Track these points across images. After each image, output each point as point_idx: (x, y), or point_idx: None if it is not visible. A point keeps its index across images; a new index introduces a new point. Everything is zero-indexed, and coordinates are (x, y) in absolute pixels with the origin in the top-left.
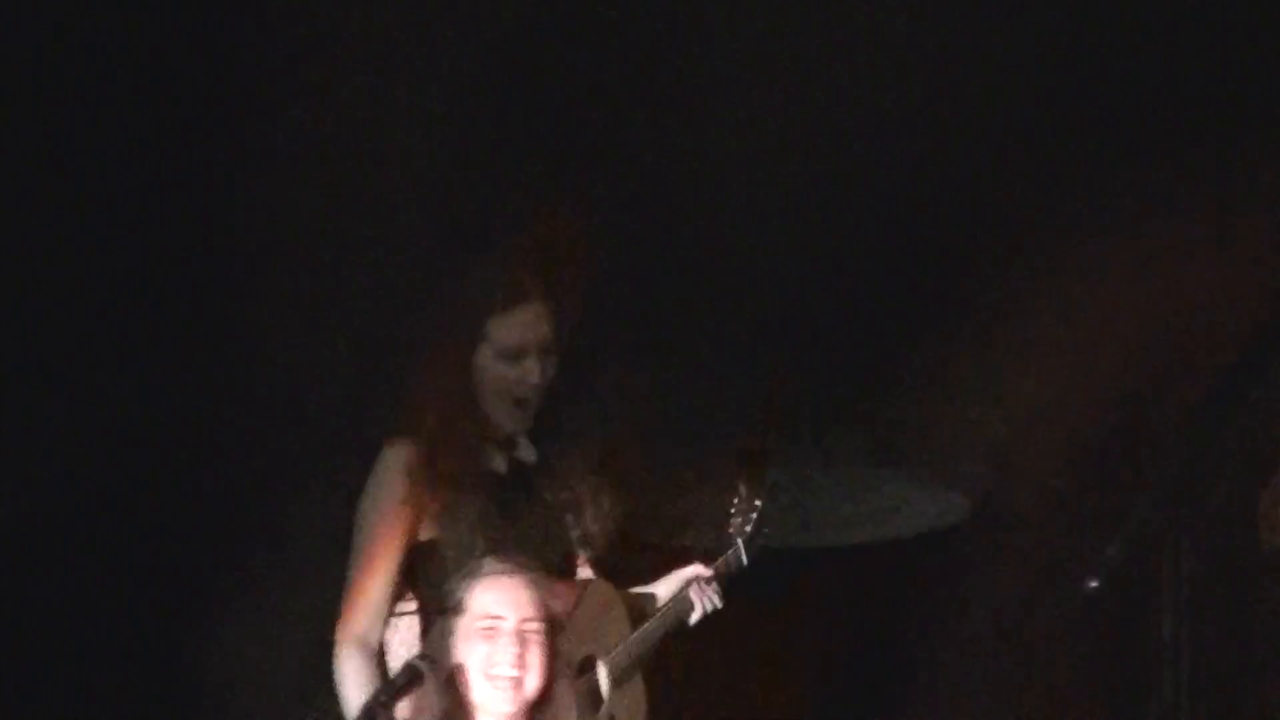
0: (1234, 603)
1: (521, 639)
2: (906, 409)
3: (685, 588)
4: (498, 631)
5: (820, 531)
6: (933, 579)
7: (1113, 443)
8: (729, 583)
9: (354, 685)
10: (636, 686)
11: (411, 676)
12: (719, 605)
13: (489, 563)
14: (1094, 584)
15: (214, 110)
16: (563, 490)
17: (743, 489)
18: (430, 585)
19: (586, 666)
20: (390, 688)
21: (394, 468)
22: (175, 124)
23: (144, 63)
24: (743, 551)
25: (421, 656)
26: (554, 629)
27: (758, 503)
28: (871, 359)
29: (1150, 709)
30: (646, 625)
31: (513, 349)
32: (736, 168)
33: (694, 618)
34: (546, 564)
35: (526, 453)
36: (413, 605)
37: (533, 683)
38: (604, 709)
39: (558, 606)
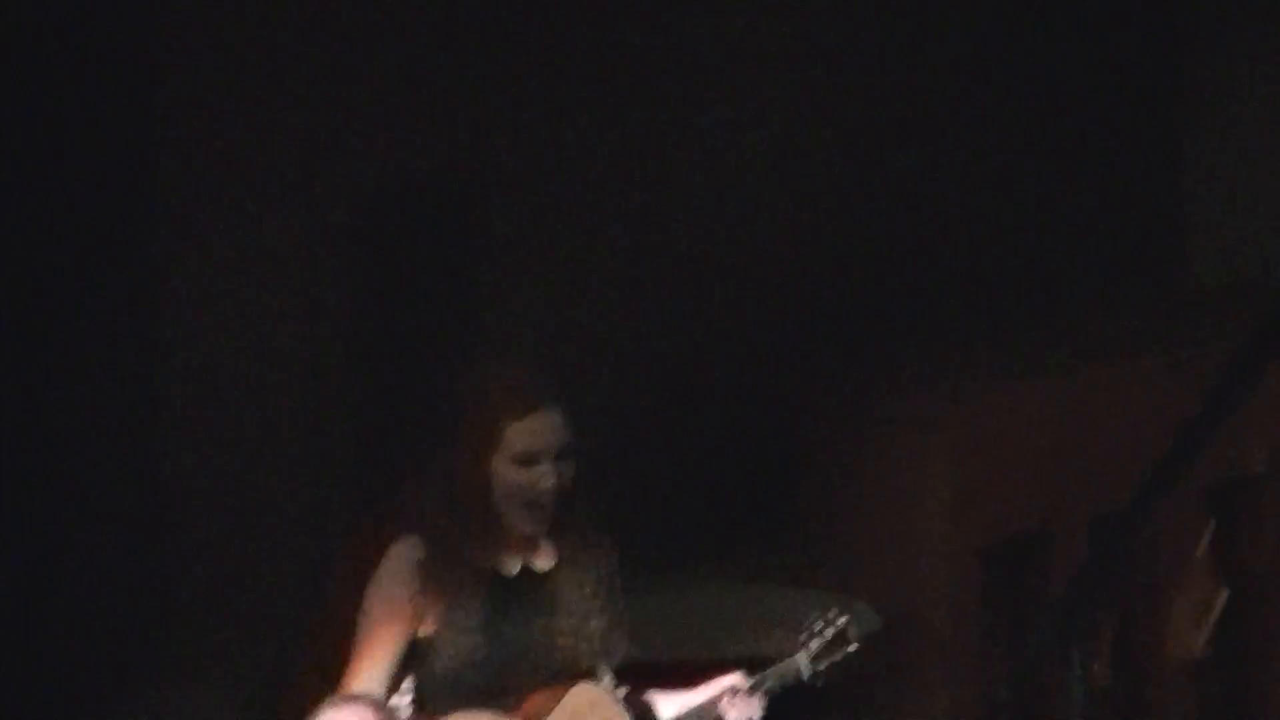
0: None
1: None
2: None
3: (718, 697)
4: None
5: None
6: (846, 694)
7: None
8: (775, 697)
9: None
10: None
11: None
12: (755, 718)
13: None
14: (1004, 694)
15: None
16: (575, 594)
17: (820, 610)
18: (429, 683)
19: None
20: None
21: (403, 562)
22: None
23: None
24: (803, 666)
25: None
26: None
27: (835, 624)
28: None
29: None
30: None
31: (528, 454)
32: None
33: None
34: (555, 672)
35: (544, 559)
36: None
37: None
38: None
39: None
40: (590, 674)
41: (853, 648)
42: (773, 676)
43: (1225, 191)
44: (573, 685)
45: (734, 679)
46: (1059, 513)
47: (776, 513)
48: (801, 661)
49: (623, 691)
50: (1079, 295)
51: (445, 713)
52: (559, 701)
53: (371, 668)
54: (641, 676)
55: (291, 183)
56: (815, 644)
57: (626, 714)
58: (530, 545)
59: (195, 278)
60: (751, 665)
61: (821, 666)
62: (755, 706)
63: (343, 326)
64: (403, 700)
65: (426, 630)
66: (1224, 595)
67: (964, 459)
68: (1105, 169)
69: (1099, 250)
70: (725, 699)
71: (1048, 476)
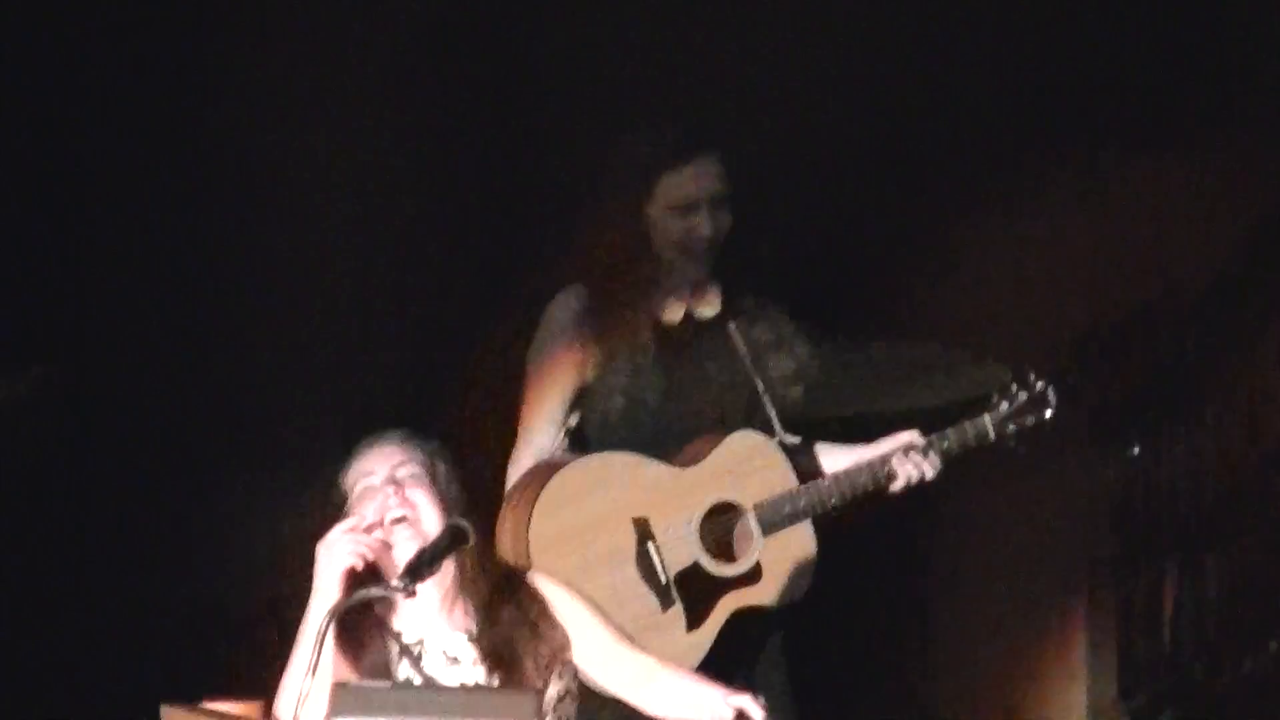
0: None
1: (395, 482)
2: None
3: (891, 452)
4: (374, 488)
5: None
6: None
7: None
8: (953, 459)
9: None
10: (802, 541)
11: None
12: (929, 475)
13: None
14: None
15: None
16: (748, 341)
17: (1011, 375)
18: (592, 428)
19: (717, 512)
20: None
21: (566, 310)
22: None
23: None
24: (989, 428)
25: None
26: (451, 474)
27: (1032, 389)
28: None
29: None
30: (821, 481)
31: (683, 203)
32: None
33: (897, 485)
34: (726, 415)
35: (709, 306)
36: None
37: (430, 519)
38: (746, 556)
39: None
40: (757, 422)
41: (1049, 413)
42: (953, 436)
43: None
44: (736, 432)
45: (910, 435)
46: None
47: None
48: (987, 423)
49: (791, 440)
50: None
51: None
52: (717, 446)
53: (543, 417)
54: (818, 426)
55: None
56: (1005, 406)
57: (787, 462)
58: (695, 292)
59: None
60: (931, 421)
61: (1011, 429)
62: (930, 464)
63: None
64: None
65: (590, 376)
66: None
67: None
68: None
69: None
70: (898, 455)
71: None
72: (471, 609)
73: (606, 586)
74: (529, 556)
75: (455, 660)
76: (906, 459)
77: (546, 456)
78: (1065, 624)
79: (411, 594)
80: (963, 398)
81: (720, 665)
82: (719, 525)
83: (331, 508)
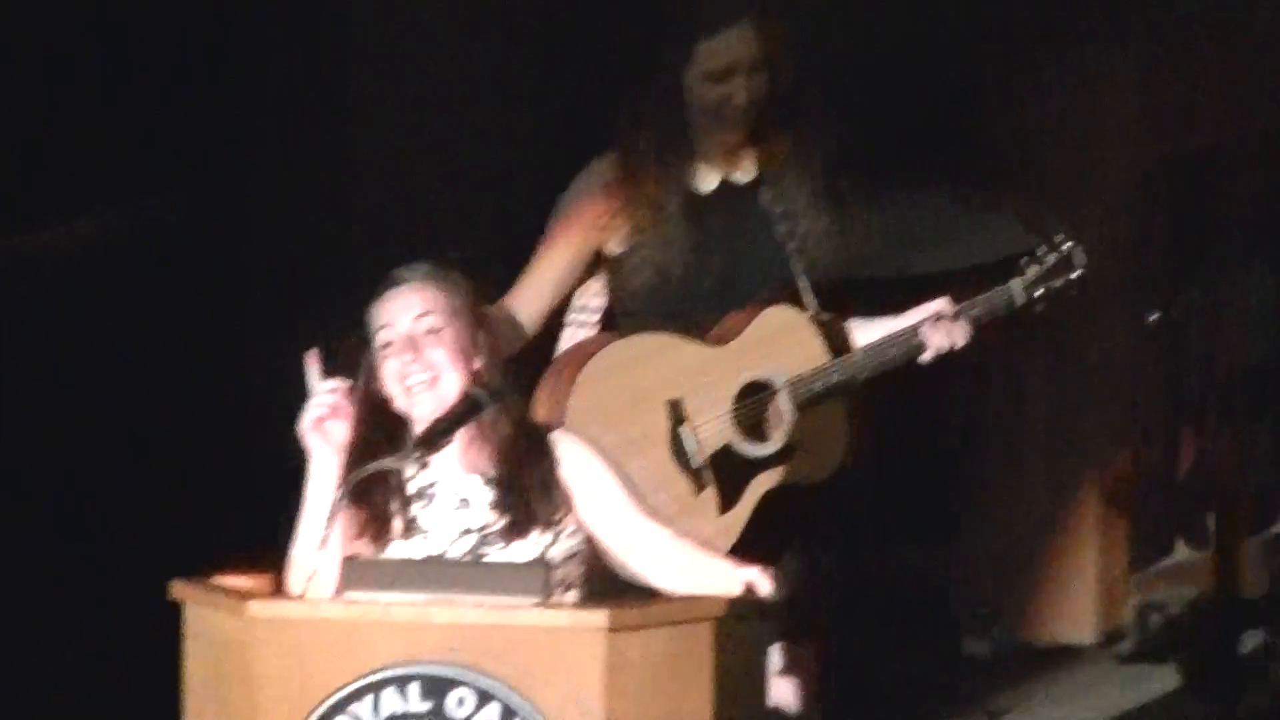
0: None
1: (413, 342)
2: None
3: (921, 322)
4: (393, 345)
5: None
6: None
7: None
8: (981, 325)
9: None
10: (835, 417)
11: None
12: (959, 343)
13: (384, 284)
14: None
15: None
16: (780, 207)
17: (1041, 238)
18: (622, 301)
19: (750, 391)
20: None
21: (594, 177)
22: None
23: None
24: (1017, 294)
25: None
26: (475, 322)
27: (1059, 250)
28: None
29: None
30: (853, 355)
31: (719, 70)
32: None
33: (928, 355)
34: (757, 286)
35: (745, 172)
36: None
37: (451, 381)
38: (778, 434)
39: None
40: (792, 295)
41: (1076, 274)
42: (982, 303)
43: None
44: (769, 306)
45: (940, 304)
46: (1241, 129)
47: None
48: (1016, 289)
49: (824, 316)
50: None
51: (637, 332)
52: (751, 322)
53: (532, 281)
54: (850, 295)
55: None
56: (1033, 270)
57: (820, 337)
58: (729, 159)
59: None
60: (961, 287)
61: (1039, 293)
62: (960, 332)
63: None
64: (590, 317)
65: (615, 248)
66: None
67: (1152, 71)
68: None
69: None
70: (929, 324)
71: (1233, 92)
72: (490, 451)
73: (640, 469)
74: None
75: (465, 503)
76: (936, 327)
77: (541, 313)
78: (1083, 493)
79: (425, 465)
80: (993, 259)
81: (751, 546)
82: (752, 404)
83: (354, 352)
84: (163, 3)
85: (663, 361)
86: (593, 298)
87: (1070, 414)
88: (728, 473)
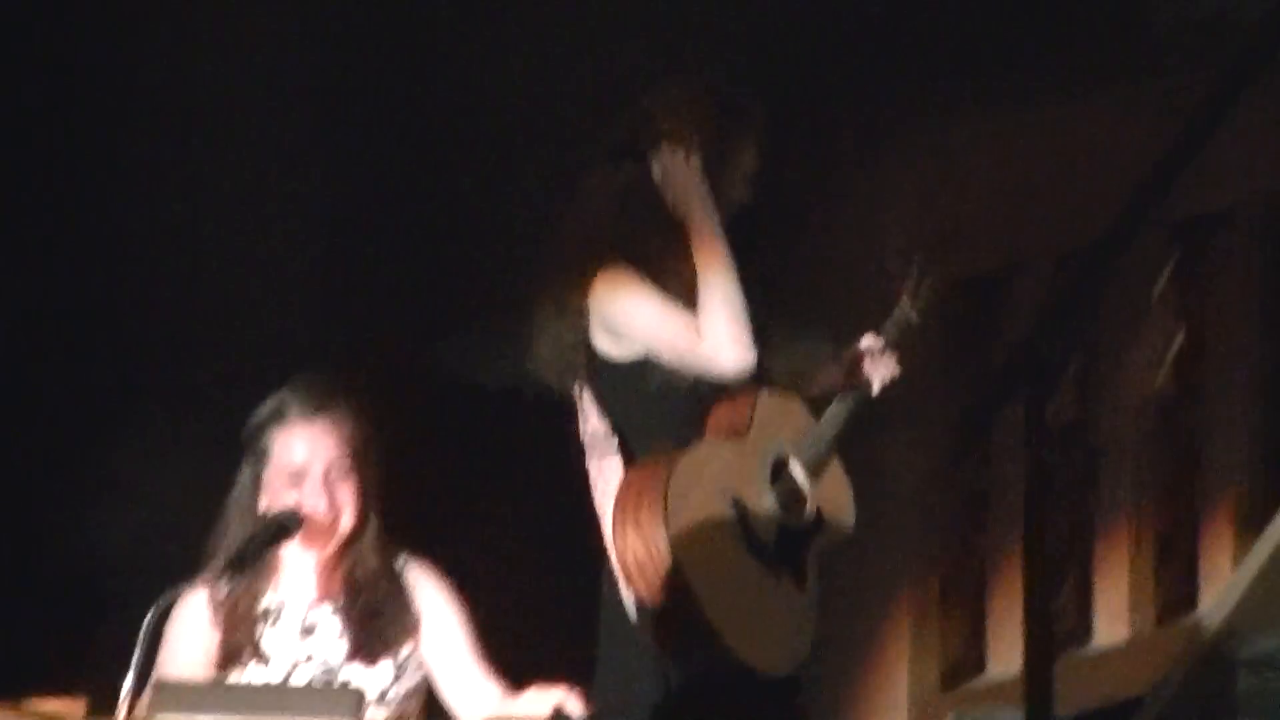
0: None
1: (329, 482)
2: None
3: (859, 362)
4: (305, 478)
5: None
6: None
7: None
8: (901, 345)
9: None
10: (836, 474)
11: (280, 528)
12: (896, 372)
13: (294, 406)
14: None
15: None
16: None
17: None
18: (636, 408)
19: (779, 470)
20: (260, 539)
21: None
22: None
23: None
24: (910, 308)
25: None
26: (365, 459)
27: (916, 264)
28: None
29: None
30: (828, 411)
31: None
32: None
33: (876, 390)
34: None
35: None
36: None
37: (347, 520)
38: (809, 503)
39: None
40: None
41: (929, 279)
42: (891, 328)
43: None
44: (759, 391)
45: (867, 341)
46: (1021, 252)
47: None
48: (905, 306)
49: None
50: (1038, 32)
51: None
52: (755, 409)
53: (671, 316)
54: None
55: None
56: (909, 284)
57: (803, 407)
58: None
59: None
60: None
61: (921, 305)
62: (892, 363)
63: None
64: (609, 443)
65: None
66: (1182, 332)
67: (926, 196)
68: None
69: None
70: (867, 362)
71: (1010, 215)
72: (344, 580)
73: (733, 578)
74: (671, 563)
75: (310, 631)
76: (875, 364)
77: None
78: (893, 611)
79: (235, 587)
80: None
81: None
82: (783, 481)
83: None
84: None
85: (716, 465)
86: (595, 422)
87: (876, 534)
88: (789, 552)
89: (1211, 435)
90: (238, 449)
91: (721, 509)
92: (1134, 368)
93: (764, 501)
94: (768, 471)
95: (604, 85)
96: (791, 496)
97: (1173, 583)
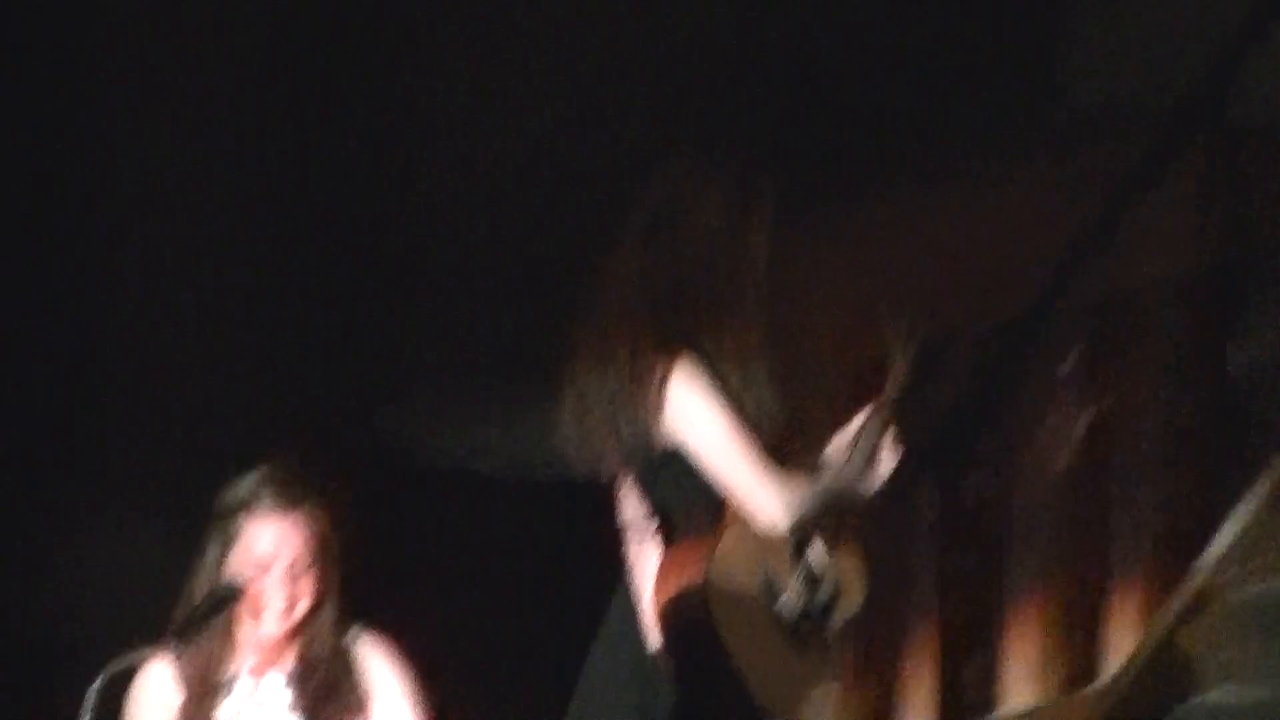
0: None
1: (293, 574)
2: None
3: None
4: (269, 569)
5: None
6: None
7: None
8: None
9: None
10: (851, 547)
11: (220, 600)
12: (893, 460)
13: (267, 498)
14: None
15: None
16: None
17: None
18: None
19: (801, 549)
20: (202, 610)
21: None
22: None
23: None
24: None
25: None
26: (328, 554)
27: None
28: None
29: None
30: (839, 473)
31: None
32: None
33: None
34: None
35: None
36: None
37: (304, 608)
38: (828, 579)
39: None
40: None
41: (914, 351)
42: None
43: (1097, 12)
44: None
45: (871, 407)
46: (935, 330)
47: None
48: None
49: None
50: (949, 116)
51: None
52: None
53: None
54: None
55: None
56: (899, 362)
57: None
58: None
59: None
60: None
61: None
62: (896, 451)
63: None
64: (649, 526)
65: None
66: (1090, 413)
67: (842, 274)
68: None
69: (970, 71)
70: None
71: (924, 294)
72: (297, 651)
73: (771, 661)
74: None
75: (261, 703)
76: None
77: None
78: None
79: (192, 657)
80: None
81: None
82: (804, 558)
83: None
84: None
85: (746, 547)
86: (632, 508)
87: None
88: (814, 631)
89: (1119, 511)
90: (187, 521)
91: (754, 593)
92: (1043, 445)
93: (787, 584)
94: (787, 552)
95: (541, 154)
96: (811, 572)
97: (1077, 654)
